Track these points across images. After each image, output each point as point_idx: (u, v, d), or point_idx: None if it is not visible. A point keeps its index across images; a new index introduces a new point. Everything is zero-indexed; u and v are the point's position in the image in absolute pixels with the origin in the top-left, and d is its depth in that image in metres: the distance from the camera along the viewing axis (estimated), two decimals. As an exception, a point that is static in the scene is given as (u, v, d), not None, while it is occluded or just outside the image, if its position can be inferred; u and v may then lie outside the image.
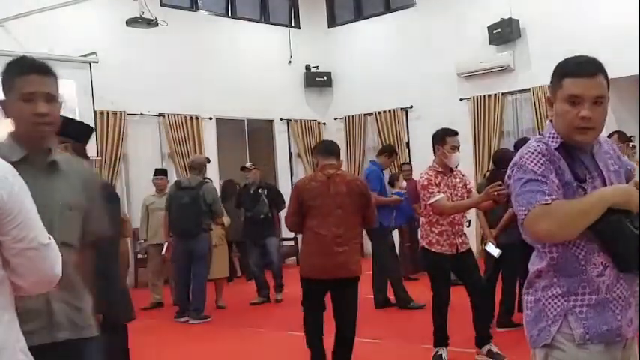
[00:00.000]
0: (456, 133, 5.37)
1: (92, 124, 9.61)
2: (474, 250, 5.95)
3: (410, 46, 12.22)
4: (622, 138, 6.99)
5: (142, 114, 10.88)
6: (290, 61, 13.09)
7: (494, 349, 5.29)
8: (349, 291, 4.85)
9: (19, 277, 1.81)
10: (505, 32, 10.92)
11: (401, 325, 6.97)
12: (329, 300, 4.93)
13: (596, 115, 2.12)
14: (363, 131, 12.93)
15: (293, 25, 13.54)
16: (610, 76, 2.17)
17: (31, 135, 2.26)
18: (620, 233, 2.04)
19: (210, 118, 11.83)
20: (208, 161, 8.59)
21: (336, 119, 13.35)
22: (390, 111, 12.45)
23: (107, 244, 2.94)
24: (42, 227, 1.84)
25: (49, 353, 2.19)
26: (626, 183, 2.27)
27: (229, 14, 12.74)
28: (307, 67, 13.33)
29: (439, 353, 5.30)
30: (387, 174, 8.84)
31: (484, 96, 11.37)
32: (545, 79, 2.36)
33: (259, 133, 12.96)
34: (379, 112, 12.56)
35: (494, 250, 6.09)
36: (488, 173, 7.07)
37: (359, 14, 13.50)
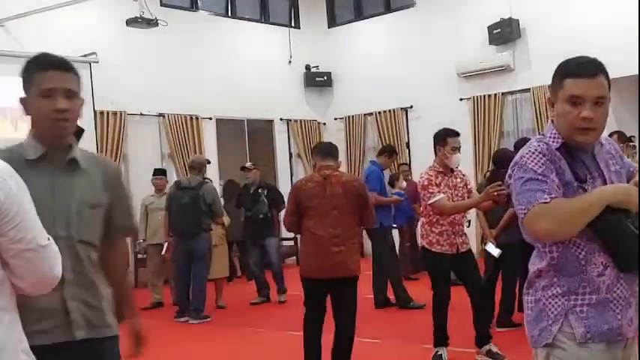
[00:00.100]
0: (457, 134, 5.37)
1: (92, 125, 9.65)
2: (474, 250, 5.96)
3: (410, 46, 12.22)
4: (622, 138, 7.01)
5: (141, 114, 10.88)
6: (290, 61, 13.09)
7: (494, 349, 5.30)
8: (348, 290, 4.85)
9: (18, 279, 1.80)
10: (505, 32, 10.92)
11: (401, 325, 6.96)
12: (329, 301, 4.93)
13: (597, 115, 2.12)
14: (363, 131, 12.93)
15: (293, 25, 13.54)
16: (610, 76, 2.17)
17: (51, 131, 2.23)
18: (621, 233, 2.04)
19: (210, 118, 11.83)
20: (208, 162, 8.59)
21: (336, 119, 13.35)
22: (390, 111, 12.45)
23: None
24: (41, 228, 1.83)
25: (62, 352, 2.17)
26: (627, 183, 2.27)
27: (229, 14, 12.74)
28: (307, 67, 13.33)
29: (439, 353, 5.30)
30: (387, 174, 8.84)
31: (484, 96, 11.37)
32: (545, 79, 2.36)
33: (259, 133, 12.95)
34: (379, 112, 12.56)
35: (494, 250, 6.09)
36: (488, 173, 7.07)
37: (359, 14, 13.49)
